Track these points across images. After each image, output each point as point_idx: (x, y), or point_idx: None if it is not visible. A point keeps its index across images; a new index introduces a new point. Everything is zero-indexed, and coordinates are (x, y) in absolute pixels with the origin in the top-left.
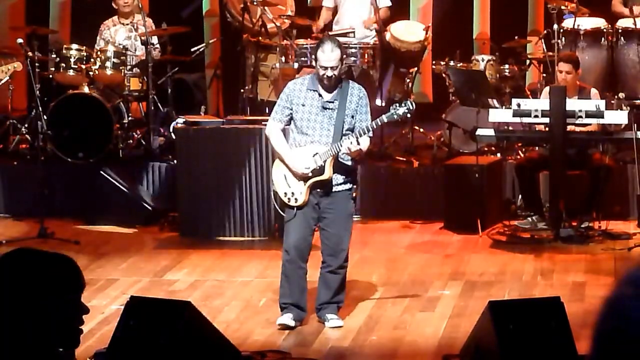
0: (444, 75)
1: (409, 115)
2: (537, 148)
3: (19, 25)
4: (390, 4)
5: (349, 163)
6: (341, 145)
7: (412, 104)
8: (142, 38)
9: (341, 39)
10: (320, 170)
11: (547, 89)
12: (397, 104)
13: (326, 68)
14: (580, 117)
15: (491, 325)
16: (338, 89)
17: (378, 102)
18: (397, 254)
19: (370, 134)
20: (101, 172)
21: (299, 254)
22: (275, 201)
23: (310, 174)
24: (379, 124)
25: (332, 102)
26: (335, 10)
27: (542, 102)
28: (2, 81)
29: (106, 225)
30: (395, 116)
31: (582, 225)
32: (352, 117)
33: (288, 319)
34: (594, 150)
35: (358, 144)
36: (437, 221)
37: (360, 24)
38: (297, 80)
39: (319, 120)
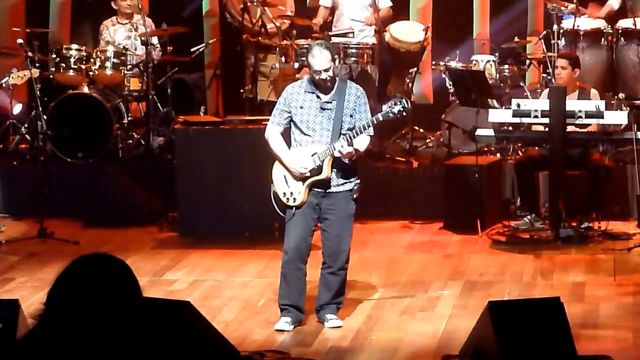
0: (443, 75)
1: (404, 113)
2: (536, 148)
3: (19, 25)
4: (391, 3)
5: (349, 163)
6: (335, 146)
7: (407, 102)
8: (142, 38)
9: (340, 40)
10: (318, 170)
11: (547, 89)
12: (393, 102)
13: (319, 72)
14: (580, 117)
15: (491, 325)
16: (335, 89)
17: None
18: (397, 254)
19: (370, 132)
20: (104, 172)
21: (298, 255)
22: (275, 202)
23: (308, 174)
24: (375, 122)
25: (330, 103)
26: (333, 10)
27: (542, 103)
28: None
29: (105, 225)
30: (391, 114)
31: (582, 226)
32: (351, 116)
33: (285, 324)
34: (594, 150)
35: (350, 145)
36: (437, 221)
37: (359, 23)
38: (295, 83)
39: (319, 121)
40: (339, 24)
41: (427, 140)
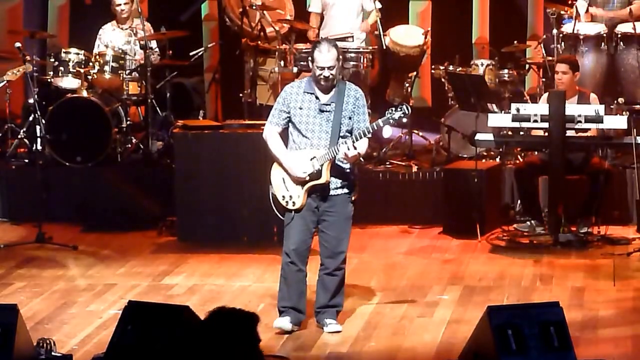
0: (443, 79)
1: (404, 119)
2: (535, 153)
3: (17, 29)
4: (379, 5)
5: (348, 166)
6: (338, 149)
7: (407, 108)
8: (141, 42)
9: (339, 44)
10: (317, 174)
11: (546, 94)
12: (393, 108)
13: (323, 68)
14: (580, 122)
15: (490, 330)
16: (335, 90)
17: None
18: (396, 259)
19: (369, 135)
20: (102, 176)
21: (298, 258)
22: (273, 204)
23: (307, 178)
24: (375, 128)
25: (329, 105)
26: (322, 16)
27: (542, 107)
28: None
29: (104, 230)
30: (392, 120)
31: (582, 231)
32: (350, 118)
33: (285, 322)
34: (594, 155)
35: (355, 148)
36: (436, 226)
37: (350, 30)
38: (293, 83)
39: (317, 122)
40: (326, 30)
41: (426, 144)
